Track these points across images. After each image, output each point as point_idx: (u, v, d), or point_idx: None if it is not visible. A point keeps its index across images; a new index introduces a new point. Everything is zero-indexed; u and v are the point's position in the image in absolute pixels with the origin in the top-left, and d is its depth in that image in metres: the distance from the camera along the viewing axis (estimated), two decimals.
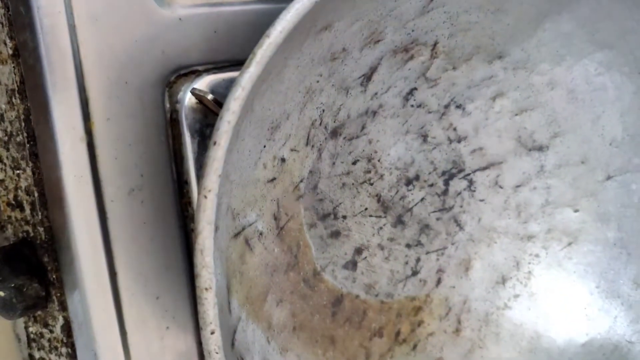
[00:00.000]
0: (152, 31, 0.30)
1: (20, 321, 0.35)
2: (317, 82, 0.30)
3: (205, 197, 0.21)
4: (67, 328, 0.32)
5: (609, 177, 0.37)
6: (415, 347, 0.36)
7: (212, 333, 0.22)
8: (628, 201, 0.36)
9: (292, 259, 0.33)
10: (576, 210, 0.37)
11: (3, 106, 0.31)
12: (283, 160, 0.31)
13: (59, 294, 0.32)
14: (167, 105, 0.31)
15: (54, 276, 0.32)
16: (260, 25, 0.32)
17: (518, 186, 0.37)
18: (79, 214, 0.30)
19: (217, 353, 0.23)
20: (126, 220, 0.31)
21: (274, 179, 0.31)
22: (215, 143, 0.21)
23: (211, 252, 0.21)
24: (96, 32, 0.29)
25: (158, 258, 0.32)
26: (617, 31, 0.32)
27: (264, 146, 0.29)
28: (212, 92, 0.31)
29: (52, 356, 0.34)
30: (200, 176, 0.21)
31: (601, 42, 0.33)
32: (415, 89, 0.34)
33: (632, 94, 0.34)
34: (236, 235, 0.29)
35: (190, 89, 0.31)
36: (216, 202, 0.21)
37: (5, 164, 0.32)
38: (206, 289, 0.22)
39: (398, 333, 0.36)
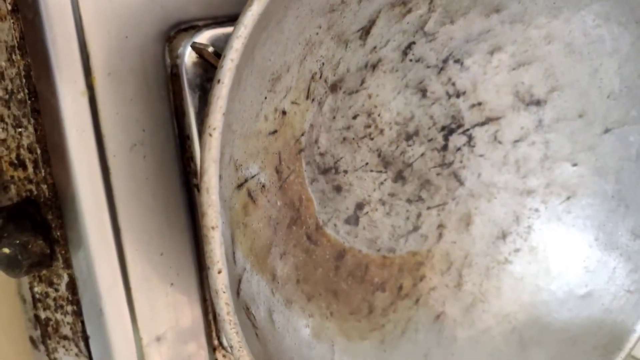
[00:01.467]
0: None
1: (25, 282, 0.35)
2: (317, 34, 0.30)
3: (211, 135, 0.21)
4: (72, 286, 0.33)
5: (606, 130, 0.37)
6: (417, 301, 0.37)
7: (220, 272, 0.23)
8: (626, 154, 0.37)
9: (294, 212, 0.33)
10: (574, 164, 0.38)
11: (3, 64, 0.31)
12: (284, 112, 0.31)
13: (63, 252, 0.32)
14: (168, 60, 0.31)
15: (58, 233, 0.32)
16: None
17: (517, 141, 0.38)
18: (82, 169, 0.30)
19: (224, 292, 0.23)
20: (129, 176, 0.31)
21: (275, 131, 0.31)
22: (219, 81, 0.21)
23: (217, 191, 0.22)
24: None
25: (161, 214, 0.33)
26: None
27: (265, 97, 0.29)
28: (212, 45, 0.31)
29: (58, 315, 0.34)
30: (204, 116, 0.21)
31: None
32: (414, 43, 0.34)
33: (630, 45, 0.34)
34: (239, 186, 0.29)
35: (190, 44, 0.31)
36: (221, 141, 0.21)
37: (6, 123, 0.32)
38: (213, 227, 0.22)
39: (400, 287, 0.36)
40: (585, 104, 0.37)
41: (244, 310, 0.28)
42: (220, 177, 0.27)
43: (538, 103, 0.37)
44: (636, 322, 0.35)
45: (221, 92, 0.21)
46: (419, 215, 0.37)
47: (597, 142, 0.37)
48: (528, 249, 0.38)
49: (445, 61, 0.35)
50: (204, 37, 0.31)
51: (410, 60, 0.35)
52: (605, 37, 0.35)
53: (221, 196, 0.27)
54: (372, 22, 0.32)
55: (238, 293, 0.29)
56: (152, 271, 0.33)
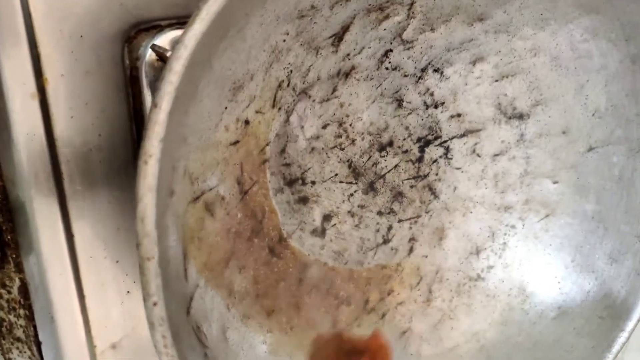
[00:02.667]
0: None
1: None
2: (284, 41, 0.29)
3: (146, 162, 0.20)
4: (24, 290, 0.32)
5: (590, 149, 0.35)
6: (383, 316, 0.36)
7: (155, 305, 0.21)
8: (608, 174, 0.35)
9: (256, 224, 0.31)
10: (555, 182, 0.36)
11: None
12: (247, 122, 0.29)
13: (14, 255, 0.31)
14: (127, 61, 0.30)
15: (9, 237, 0.31)
16: None
17: (496, 155, 0.36)
18: (32, 174, 0.29)
19: (160, 325, 0.22)
20: (83, 181, 0.30)
21: (237, 142, 0.29)
22: (156, 106, 0.20)
23: (153, 221, 0.20)
24: None
25: (117, 221, 0.31)
26: None
27: (226, 108, 0.28)
28: (174, 48, 0.29)
29: (11, 317, 0.33)
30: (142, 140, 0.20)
31: (587, 6, 0.31)
32: (391, 50, 0.32)
33: (618, 63, 0.33)
34: (195, 199, 0.28)
35: (150, 44, 0.29)
36: (158, 168, 0.20)
37: None
38: (148, 258, 0.21)
39: (367, 301, 0.35)
40: (570, 121, 0.35)
41: (194, 330, 0.27)
42: (173, 192, 0.26)
43: (521, 117, 0.35)
44: (606, 349, 0.34)
45: (158, 118, 0.20)
46: (389, 228, 0.36)
47: (580, 160, 0.36)
48: (502, 266, 0.37)
49: (424, 70, 0.34)
50: (166, 38, 0.29)
51: (387, 68, 0.33)
52: (593, 52, 0.33)
53: (173, 212, 0.26)
54: (345, 29, 0.31)
55: (188, 311, 0.27)
56: (108, 279, 0.32)
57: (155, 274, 0.21)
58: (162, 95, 0.19)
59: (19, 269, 0.31)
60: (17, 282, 0.32)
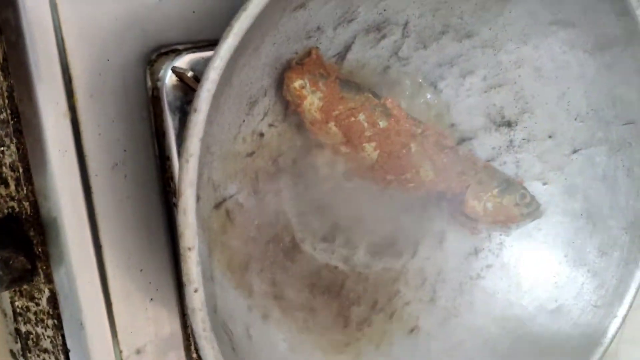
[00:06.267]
0: (132, 9, 0.31)
1: (6, 297, 0.36)
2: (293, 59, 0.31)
3: (187, 160, 0.22)
4: (53, 300, 0.33)
5: (575, 151, 0.38)
6: (392, 315, 0.38)
7: (196, 291, 0.23)
8: (593, 174, 0.38)
9: (272, 230, 0.34)
10: (545, 184, 0.39)
11: None
12: (262, 134, 0.32)
13: (44, 267, 0.33)
14: (149, 82, 0.32)
15: (39, 249, 0.33)
16: (238, 7, 0.33)
17: (489, 161, 0.39)
18: (64, 188, 0.31)
19: (200, 310, 0.24)
20: (110, 195, 0.32)
21: (253, 152, 0.32)
22: (195, 110, 0.22)
23: (193, 212, 0.23)
24: (77, 9, 0.30)
25: (141, 231, 0.33)
26: (578, 9, 0.34)
27: (243, 120, 0.30)
28: (192, 70, 0.32)
29: (38, 329, 0.35)
30: (182, 140, 0.22)
31: (564, 20, 0.35)
32: (389, 67, 0.35)
33: (595, 71, 0.36)
34: (217, 205, 0.30)
35: (170, 67, 0.32)
36: (197, 165, 0.22)
37: None
38: (189, 248, 0.23)
39: (375, 302, 0.37)
40: (554, 126, 0.38)
41: (221, 327, 0.29)
42: (199, 197, 0.28)
43: (509, 124, 0.38)
44: (602, 335, 0.36)
45: (198, 119, 0.22)
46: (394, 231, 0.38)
47: (566, 162, 0.39)
48: (500, 265, 0.40)
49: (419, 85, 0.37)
50: (185, 60, 0.32)
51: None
52: (571, 62, 0.36)
53: (199, 216, 0.28)
54: (347, 48, 0.33)
55: (215, 310, 0.29)
56: (132, 287, 0.34)
57: (196, 262, 0.23)
58: (201, 101, 0.22)
59: (49, 279, 0.33)
60: (47, 293, 0.33)
